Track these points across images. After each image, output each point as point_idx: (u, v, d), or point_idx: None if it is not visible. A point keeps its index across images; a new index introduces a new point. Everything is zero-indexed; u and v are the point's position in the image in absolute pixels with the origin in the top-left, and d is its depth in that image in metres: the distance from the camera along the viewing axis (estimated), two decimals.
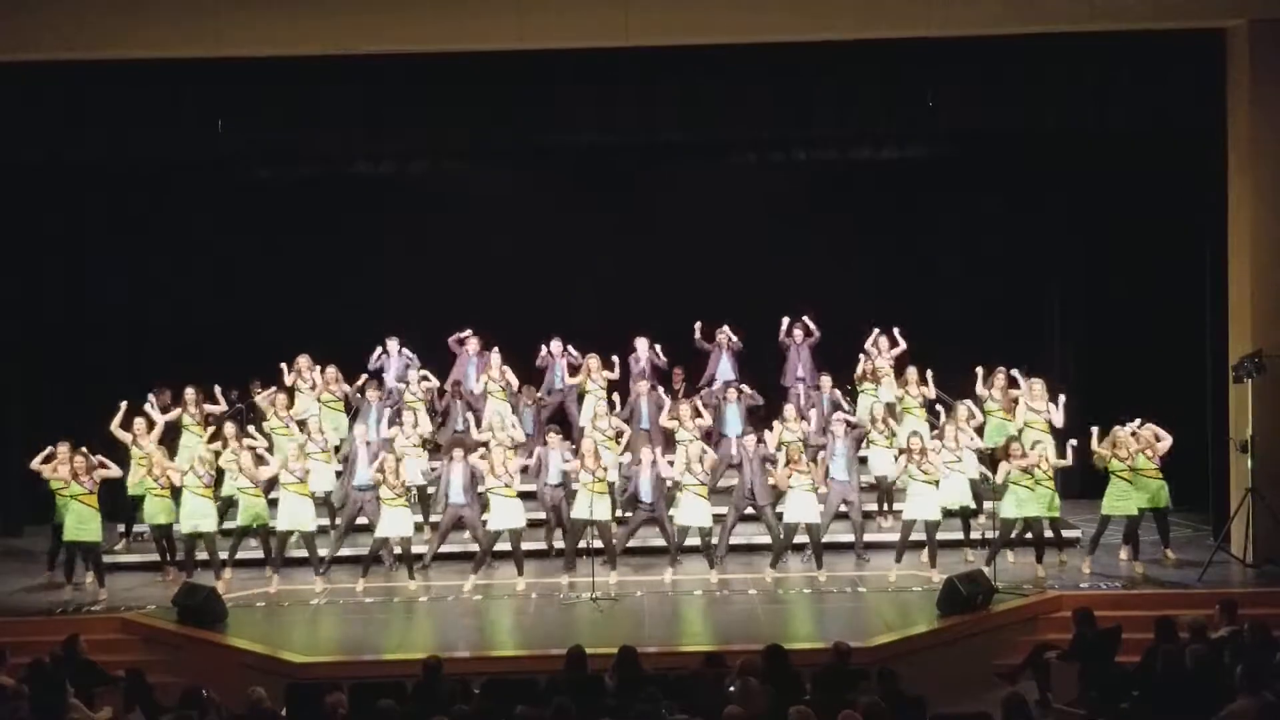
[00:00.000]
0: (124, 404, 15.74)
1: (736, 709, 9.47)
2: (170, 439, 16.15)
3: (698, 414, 15.99)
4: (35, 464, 14.95)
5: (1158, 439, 14.84)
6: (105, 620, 14.07)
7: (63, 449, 14.86)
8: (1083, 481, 16.45)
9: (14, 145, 15.85)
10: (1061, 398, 15.74)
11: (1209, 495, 16.06)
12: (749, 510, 15.33)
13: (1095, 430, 14.99)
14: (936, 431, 15.77)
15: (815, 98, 16.16)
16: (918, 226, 18.75)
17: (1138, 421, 14.96)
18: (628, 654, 11.18)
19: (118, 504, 16.09)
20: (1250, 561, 14.89)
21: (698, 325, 17.52)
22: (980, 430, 15.90)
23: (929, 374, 16.45)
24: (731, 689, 10.13)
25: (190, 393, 16.46)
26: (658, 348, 17.35)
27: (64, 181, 16.98)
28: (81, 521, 14.69)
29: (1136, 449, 14.72)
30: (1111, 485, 14.78)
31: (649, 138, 16.73)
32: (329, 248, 18.85)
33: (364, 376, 17.20)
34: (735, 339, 17.35)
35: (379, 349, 17.48)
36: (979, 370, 16.28)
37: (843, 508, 15.44)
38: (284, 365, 17.04)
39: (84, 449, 14.93)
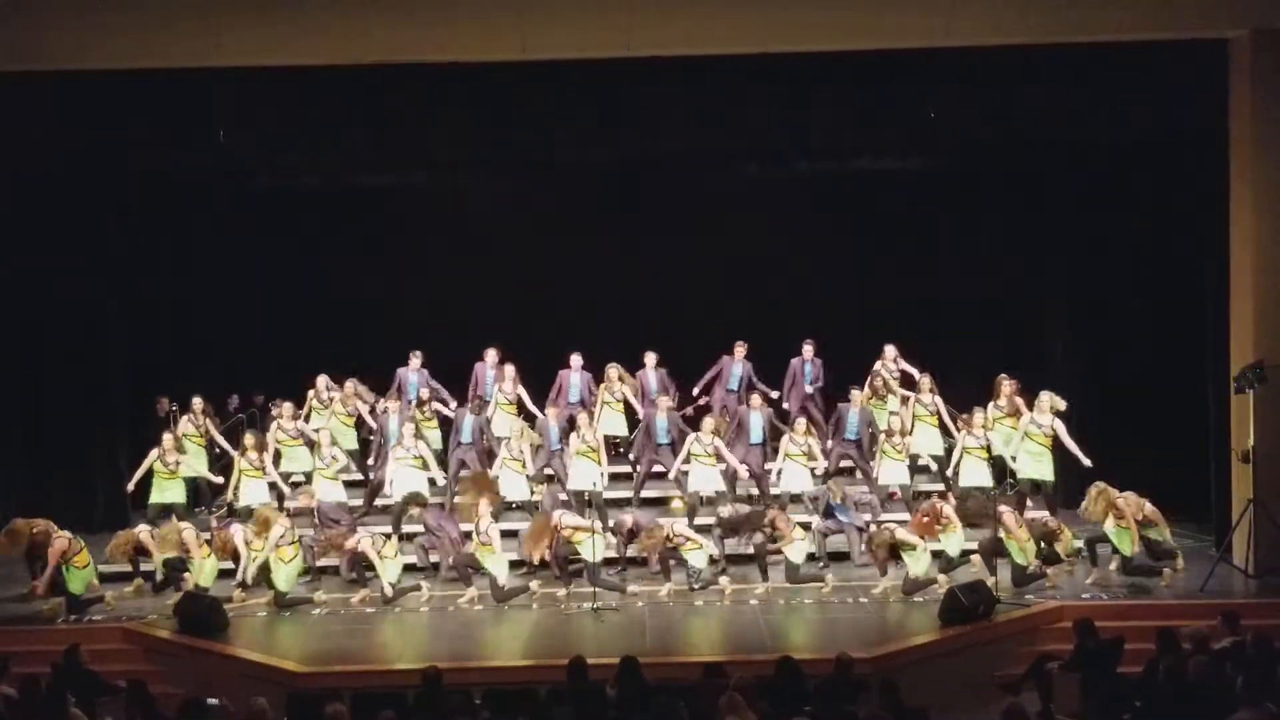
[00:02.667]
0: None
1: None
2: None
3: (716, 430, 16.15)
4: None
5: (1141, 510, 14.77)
6: (107, 630, 14.05)
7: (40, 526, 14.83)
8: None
9: (19, 155, 15.88)
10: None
11: (1210, 506, 16.02)
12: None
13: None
14: (965, 417, 16.12)
15: (816, 108, 16.19)
16: (919, 235, 18.75)
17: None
18: (629, 664, 11.18)
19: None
20: (1252, 572, 14.85)
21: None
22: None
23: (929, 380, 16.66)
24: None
25: (198, 402, 16.56)
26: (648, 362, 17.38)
27: (67, 192, 16.95)
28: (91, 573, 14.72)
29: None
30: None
31: (650, 148, 16.77)
32: (330, 259, 18.88)
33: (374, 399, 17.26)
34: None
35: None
36: (1003, 380, 16.37)
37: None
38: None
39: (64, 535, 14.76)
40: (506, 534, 15.18)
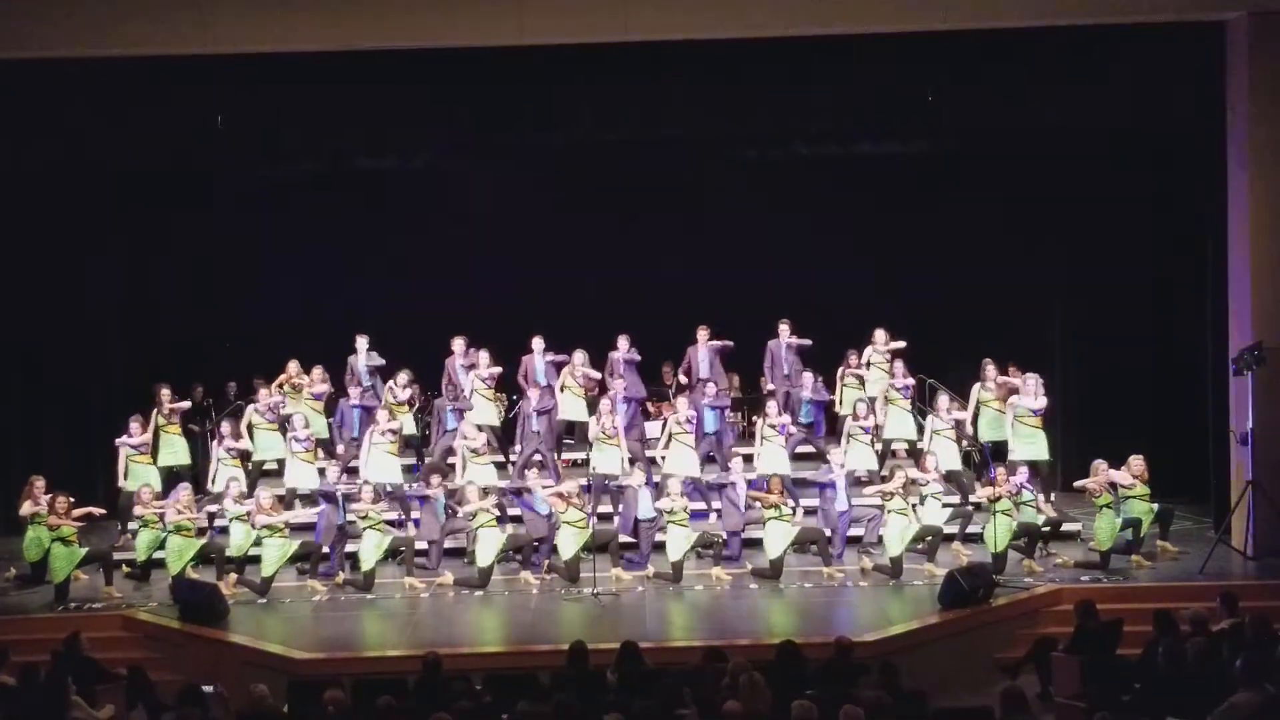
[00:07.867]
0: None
1: (736, 704, 9.47)
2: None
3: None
4: (24, 511, 14.74)
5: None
6: (107, 618, 14.07)
7: (39, 483, 14.80)
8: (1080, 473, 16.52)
9: (11, 145, 15.85)
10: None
11: (1209, 488, 16.04)
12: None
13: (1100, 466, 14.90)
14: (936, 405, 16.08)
15: (814, 92, 16.17)
16: (918, 221, 18.72)
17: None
18: (630, 649, 11.19)
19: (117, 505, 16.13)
20: (1251, 554, 14.88)
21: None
22: (974, 422, 16.11)
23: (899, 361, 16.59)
24: (728, 685, 10.11)
25: (165, 391, 16.31)
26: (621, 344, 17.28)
27: (62, 181, 16.92)
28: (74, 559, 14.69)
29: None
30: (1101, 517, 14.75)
31: (649, 133, 16.74)
32: (329, 244, 18.84)
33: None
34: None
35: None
36: (987, 364, 16.32)
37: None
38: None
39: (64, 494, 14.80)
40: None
